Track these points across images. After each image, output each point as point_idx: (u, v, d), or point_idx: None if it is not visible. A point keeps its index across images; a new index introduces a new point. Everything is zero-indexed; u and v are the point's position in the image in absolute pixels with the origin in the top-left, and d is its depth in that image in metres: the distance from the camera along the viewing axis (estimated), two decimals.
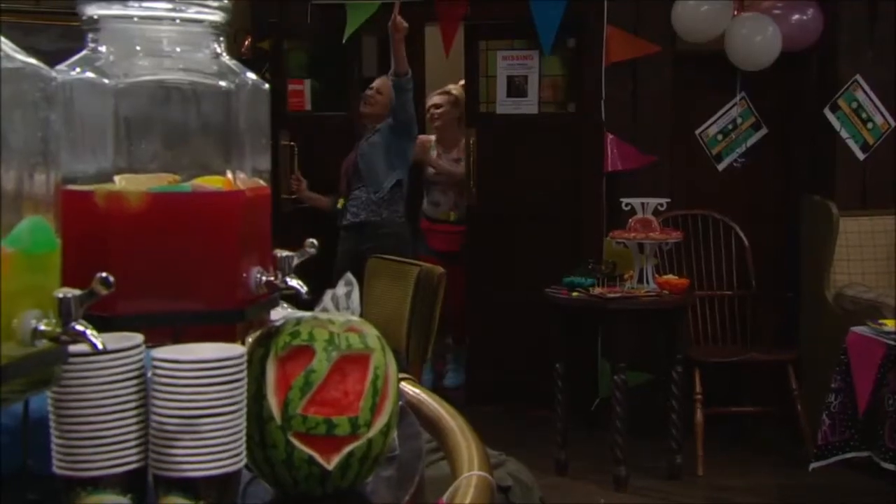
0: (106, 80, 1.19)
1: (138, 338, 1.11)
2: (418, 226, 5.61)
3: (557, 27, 5.01)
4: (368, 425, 1.25)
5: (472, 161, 5.46)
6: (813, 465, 3.78)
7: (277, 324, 1.28)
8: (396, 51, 4.58)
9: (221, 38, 1.28)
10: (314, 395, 1.22)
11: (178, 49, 1.26)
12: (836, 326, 4.44)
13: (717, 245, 5.09)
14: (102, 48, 1.24)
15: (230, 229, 1.22)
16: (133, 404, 1.09)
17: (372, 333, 1.29)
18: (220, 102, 1.24)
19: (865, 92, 4.98)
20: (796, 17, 4.95)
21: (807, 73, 5.15)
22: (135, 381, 1.09)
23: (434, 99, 5.71)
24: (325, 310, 1.34)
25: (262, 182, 1.32)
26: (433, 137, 5.75)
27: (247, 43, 5.37)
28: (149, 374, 1.12)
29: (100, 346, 0.95)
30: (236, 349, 1.13)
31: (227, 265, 1.22)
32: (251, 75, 1.31)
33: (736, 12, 4.98)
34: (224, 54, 1.29)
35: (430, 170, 5.68)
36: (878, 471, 3.65)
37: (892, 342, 3.57)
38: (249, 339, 1.32)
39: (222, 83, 1.25)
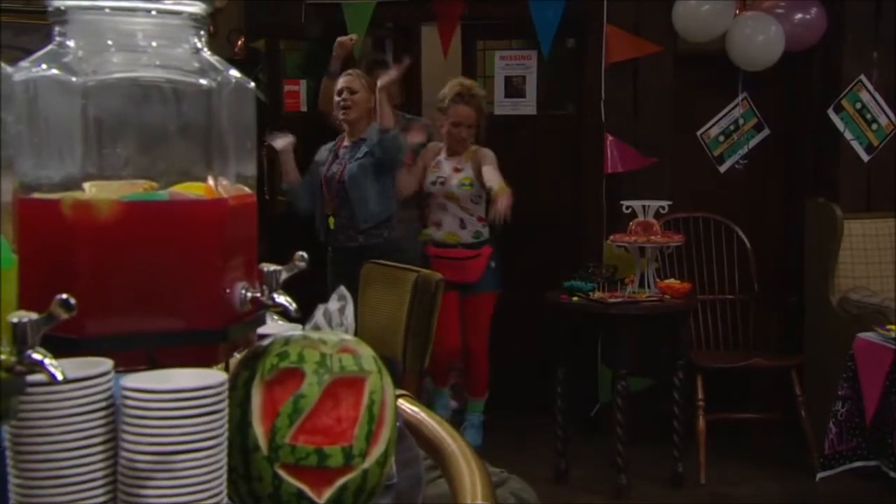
0: (73, 78, 1.08)
1: (106, 364, 1.00)
2: (425, 253, 4.70)
3: (557, 27, 4.93)
4: (363, 455, 1.14)
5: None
6: (820, 475, 3.70)
7: (264, 343, 1.18)
8: (381, 108, 4.22)
9: (202, 32, 1.18)
10: (304, 423, 1.12)
11: (154, 44, 1.15)
12: (840, 331, 4.38)
13: (719, 248, 5.00)
14: (70, 43, 1.13)
15: (211, 241, 1.12)
16: (99, 439, 0.98)
17: (367, 354, 1.19)
18: (200, 102, 1.14)
19: (870, 92, 4.90)
20: (799, 16, 4.87)
21: (810, 73, 5.07)
22: (101, 414, 0.98)
23: (462, 113, 4.69)
24: (316, 327, 1.23)
25: (246, 189, 1.22)
26: (442, 145, 4.76)
27: (239, 43, 5.27)
28: (118, 403, 1.01)
29: (59, 377, 0.85)
30: (216, 376, 1.02)
31: (209, 280, 1.11)
32: (235, 73, 1.20)
33: (738, 11, 4.90)
34: (205, 50, 1.19)
35: (431, 183, 4.71)
36: (885, 480, 3.58)
37: None
38: (237, 355, 1.21)
39: (203, 81, 1.14)
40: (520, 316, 5.14)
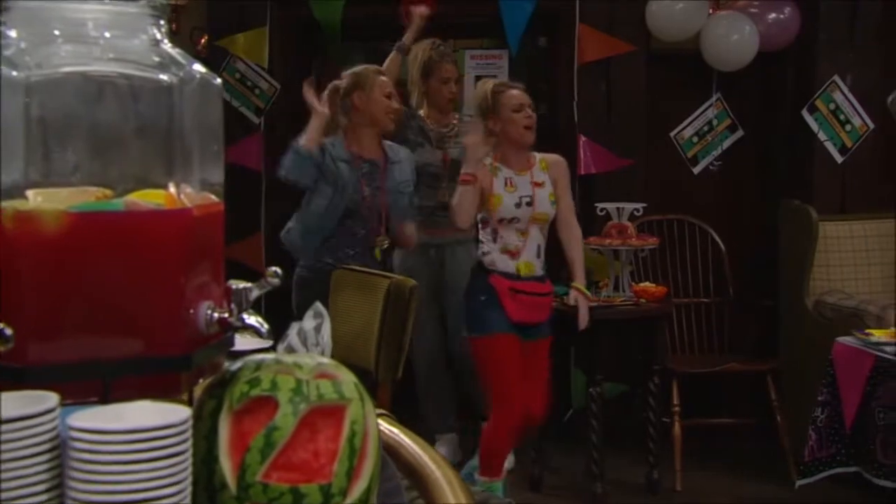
0: (14, 73, 0.96)
1: (50, 399, 0.88)
2: (486, 283, 3.70)
3: (525, 25, 4.86)
4: (344, 493, 1.03)
5: None
6: (799, 483, 3.64)
7: (233, 368, 1.06)
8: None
9: (162, 22, 1.06)
10: (277, 458, 1.01)
11: (107, 34, 1.03)
12: (816, 334, 4.34)
13: (694, 251, 4.94)
14: (12, 33, 1.01)
15: (173, 256, 1.00)
16: (42, 487, 0.86)
17: (348, 380, 1.08)
18: (160, 99, 1.03)
19: (843, 93, 4.86)
20: (773, 16, 4.83)
21: (784, 73, 5.03)
22: (45, 458, 0.86)
23: (517, 95, 3.77)
24: (290, 349, 1.12)
25: (213, 197, 1.10)
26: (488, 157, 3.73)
27: (203, 41, 5.12)
28: (65, 443, 0.88)
29: None
30: (179, 413, 0.90)
31: (170, 300, 1.00)
32: (199, 67, 1.08)
33: (712, 11, 4.84)
34: (165, 41, 1.07)
35: (515, 205, 3.70)
36: (864, 486, 3.53)
37: (880, 353, 3.44)
38: (202, 382, 1.09)
39: (163, 76, 1.03)
40: None
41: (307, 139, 3.62)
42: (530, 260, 3.71)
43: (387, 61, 4.26)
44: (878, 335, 3.61)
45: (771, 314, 4.90)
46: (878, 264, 4.76)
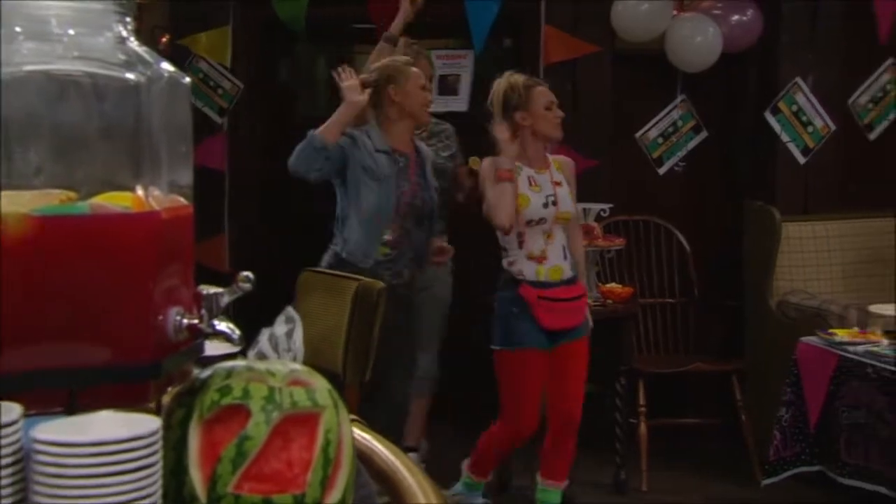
0: None
1: (13, 410, 0.85)
2: (516, 294, 3.60)
3: (490, 25, 4.85)
4: None
5: None
6: (764, 482, 3.66)
7: (203, 376, 1.03)
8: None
9: (128, 19, 1.02)
10: (249, 468, 0.99)
11: (71, 31, 1.00)
12: (780, 334, 4.37)
13: (659, 251, 4.96)
14: None
15: (141, 261, 0.97)
16: (6, 502, 0.82)
17: (322, 387, 1.05)
18: (127, 99, 1.00)
19: (805, 95, 4.91)
20: (735, 17, 4.87)
21: (747, 75, 5.07)
22: (8, 472, 0.83)
23: (547, 92, 3.72)
24: (261, 355, 1.09)
25: (182, 200, 1.07)
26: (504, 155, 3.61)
27: (164, 40, 5.06)
28: (28, 456, 0.85)
29: None
30: (147, 424, 0.87)
31: (138, 307, 0.97)
32: (167, 66, 1.05)
33: (676, 12, 4.86)
34: (132, 39, 1.03)
35: (543, 205, 3.61)
36: (828, 485, 3.55)
37: (843, 353, 3.47)
38: (170, 390, 1.06)
39: (130, 75, 0.99)
40: (457, 323, 5.03)
41: (327, 130, 3.46)
42: (558, 263, 3.61)
43: (374, 52, 4.13)
44: (841, 335, 3.64)
45: (735, 314, 4.93)
46: (839, 264, 4.81)
